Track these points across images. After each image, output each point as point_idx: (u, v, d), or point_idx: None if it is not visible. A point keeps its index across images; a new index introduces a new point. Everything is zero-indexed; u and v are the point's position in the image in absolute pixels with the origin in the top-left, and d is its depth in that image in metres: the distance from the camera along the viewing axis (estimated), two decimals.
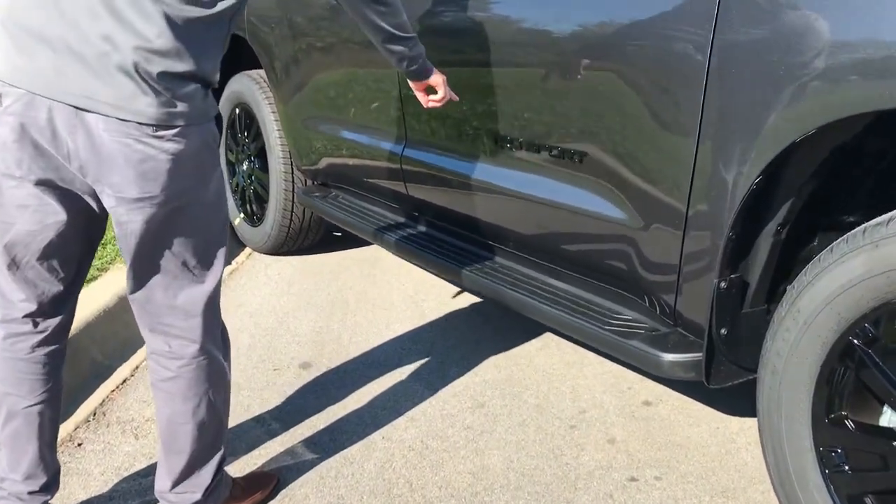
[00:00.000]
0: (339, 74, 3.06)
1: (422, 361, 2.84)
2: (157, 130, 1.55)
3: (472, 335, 3.04)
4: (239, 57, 3.76)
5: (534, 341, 2.97)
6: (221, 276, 1.79)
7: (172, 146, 1.57)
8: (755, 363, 1.79)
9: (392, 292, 3.46)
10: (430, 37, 2.39)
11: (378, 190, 3.12)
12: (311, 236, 3.88)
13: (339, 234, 3.93)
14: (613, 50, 1.95)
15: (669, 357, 1.97)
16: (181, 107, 1.57)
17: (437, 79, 2.23)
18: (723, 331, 1.86)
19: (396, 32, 2.03)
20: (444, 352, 2.91)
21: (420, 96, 2.27)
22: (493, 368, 2.79)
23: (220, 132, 1.79)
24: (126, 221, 1.63)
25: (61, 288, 1.76)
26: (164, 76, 1.54)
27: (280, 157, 3.64)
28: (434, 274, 2.66)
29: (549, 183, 2.23)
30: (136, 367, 2.78)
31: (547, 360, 2.84)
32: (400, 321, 3.17)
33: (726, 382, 1.90)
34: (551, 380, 2.70)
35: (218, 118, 1.74)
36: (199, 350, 1.77)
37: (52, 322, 1.78)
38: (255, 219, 3.93)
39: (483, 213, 2.54)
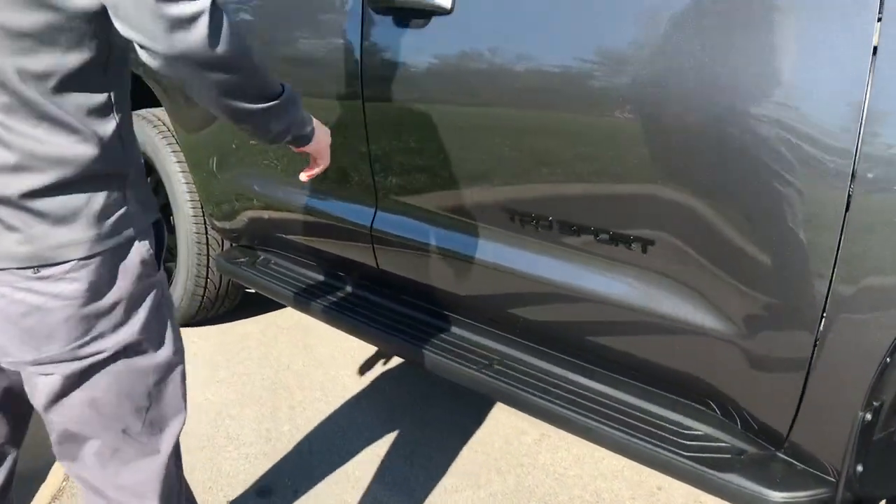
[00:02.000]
0: None
1: (405, 472, 2.35)
2: (38, 271, 1.14)
3: (455, 427, 2.58)
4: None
5: (528, 429, 2.54)
6: (178, 439, 1.40)
7: (67, 287, 1.16)
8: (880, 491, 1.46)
9: (340, 372, 2.94)
10: (432, 77, 1.93)
11: (332, 262, 2.59)
12: (227, 303, 3.29)
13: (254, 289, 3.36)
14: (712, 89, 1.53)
15: (780, 496, 1.59)
16: (69, 232, 1.14)
17: (315, 147, 1.47)
18: (859, 467, 1.49)
19: (257, 107, 1.24)
20: (430, 456, 2.43)
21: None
22: (496, 474, 2.34)
23: (162, 242, 1.33)
24: (31, 391, 1.25)
25: None
26: (28, 197, 1.11)
27: (190, 217, 3.03)
28: (419, 367, 2.20)
29: (596, 274, 1.80)
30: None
31: (552, 455, 2.42)
32: (362, 413, 2.66)
33: None
34: (567, 485, 2.28)
35: (158, 224, 1.30)
36: None
37: None
38: None
39: (493, 299, 2.08)
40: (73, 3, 1.07)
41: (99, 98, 1.15)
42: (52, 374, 1.21)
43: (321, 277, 2.65)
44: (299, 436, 2.53)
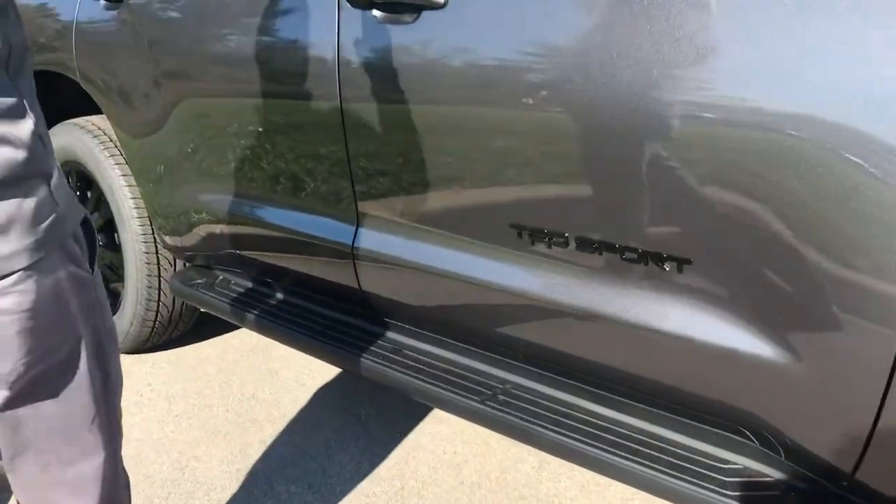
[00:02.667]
0: (238, 121, 2.23)
1: None
2: None
3: (446, 458, 2.37)
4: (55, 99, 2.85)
5: (525, 457, 2.36)
6: (120, 437, 1.33)
7: (15, 301, 1.09)
8: None
9: (312, 401, 2.71)
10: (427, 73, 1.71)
11: (305, 284, 2.36)
12: (181, 327, 3.02)
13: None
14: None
15: None
16: (7, 242, 1.06)
17: None
18: None
19: None
20: (421, 494, 2.22)
21: None
22: None
23: (94, 241, 1.24)
24: None
25: None
26: None
27: (139, 234, 2.75)
28: (411, 397, 1.99)
29: (622, 297, 1.61)
30: None
31: (555, 485, 2.24)
32: (342, 447, 2.43)
33: None
34: None
35: (87, 223, 1.23)
36: None
37: None
38: None
39: (496, 322, 1.88)
40: None
41: (9, 100, 1.06)
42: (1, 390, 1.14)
43: (293, 300, 2.42)
44: (276, 477, 2.30)
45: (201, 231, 2.51)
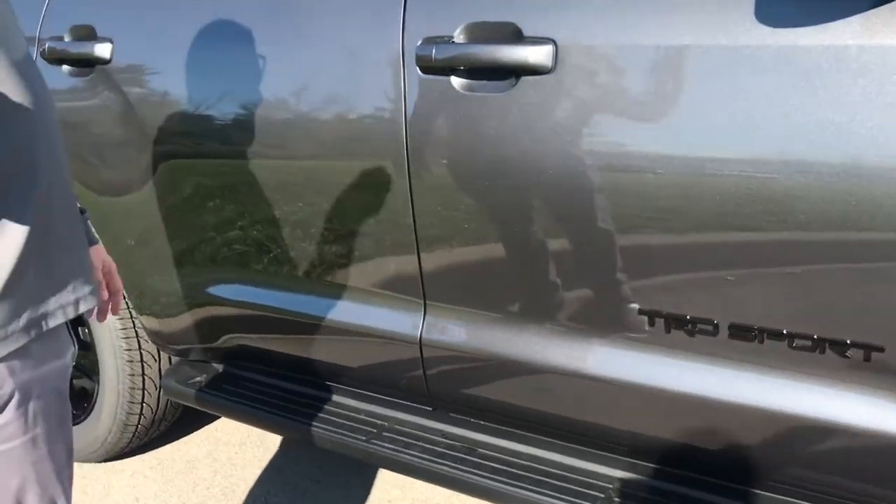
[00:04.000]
0: (259, 194, 1.92)
1: None
2: None
3: None
4: None
5: None
6: None
7: None
8: None
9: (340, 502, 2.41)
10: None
11: (350, 379, 2.08)
12: (162, 426, 2.66)
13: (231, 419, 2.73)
14: None
15: None
16: None
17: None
18: None
19: None
20: None
21: None
22: None
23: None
24: None
25: None
26: None
27: (118, 330, 2.39)
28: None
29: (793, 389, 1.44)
30: None
31: None
32: None
33: None
34: None
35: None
36: None
37: None
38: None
39: (622, 422, 1.67)
40: None
41: None
42: None
43: (334, 399, 2.12)
44: None
45: (207, 320, 2.19)
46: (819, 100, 1.26)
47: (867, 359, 1.35)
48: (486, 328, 1.73)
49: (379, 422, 2.01)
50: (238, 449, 2.69)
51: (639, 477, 1.71)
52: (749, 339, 1.44)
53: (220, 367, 2.36)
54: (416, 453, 1.89)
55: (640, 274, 1.51)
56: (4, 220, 1.02)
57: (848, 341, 1.35)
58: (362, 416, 2.05)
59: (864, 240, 1.28)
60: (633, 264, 1.51)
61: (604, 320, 1.58)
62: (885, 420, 1.36)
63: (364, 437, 1.96)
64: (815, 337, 1.38)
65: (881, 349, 1.33)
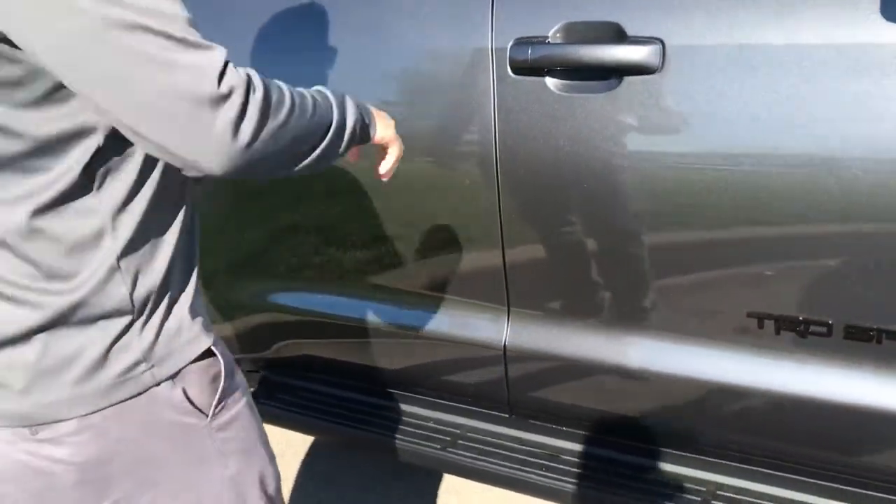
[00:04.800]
0: (334, 198, 1.88)
1: None
2: (35, 432, 0.98)
3: None
4: None
5: None
6: None
7: (67, 452, 0.99)
8: None
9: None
10: None
11: (427, 388, 2.03)
12: None
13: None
14: None
15: None
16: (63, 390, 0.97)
17: (384, 134, 1.18)
18: None
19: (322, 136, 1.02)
20: None
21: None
22: None
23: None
24: None
25: None
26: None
27: None
28: None
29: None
30: None
31: None
32: None
33: None
34: None
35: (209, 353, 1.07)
36: None
37: None
38: None
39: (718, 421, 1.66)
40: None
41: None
42: None
43: (395, 406, 2.08)
44: None
45: (270, 328, 2.13)
46: None
47: None
48: (572, 334, 1.70)
49: (453, 430, 1.97)
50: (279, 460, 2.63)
51: (733, 480, 1.70)
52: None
53: (269, 376, 2.30)
54: (497, 461, 1.86)
55: (750, 278, 1.49)
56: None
57: None
58: (432, 425, 2.01)
59: None
60: (740, 267, 1.49)
61: (708, 324, 1.56)
62: None
63: (439, 446, 1.93)
64: None
65: None
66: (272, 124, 0.89)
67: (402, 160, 1.25)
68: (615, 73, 1.49)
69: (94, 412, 0.98)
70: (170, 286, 1.04)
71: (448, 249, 1.78)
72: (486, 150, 1.62)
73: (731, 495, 1.67)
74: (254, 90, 0.87)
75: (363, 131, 1.11)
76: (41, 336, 0.95)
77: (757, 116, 1.40)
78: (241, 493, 1.12)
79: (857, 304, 1.42)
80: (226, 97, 0.84)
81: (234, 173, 0.88)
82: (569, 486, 1.78)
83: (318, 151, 1.00)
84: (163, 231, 1.02)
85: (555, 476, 1.80)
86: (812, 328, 1.46)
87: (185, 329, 1.05)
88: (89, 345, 0.97)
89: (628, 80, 1.48)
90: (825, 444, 1.54)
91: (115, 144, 0.93)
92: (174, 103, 0.82)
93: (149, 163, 0.97)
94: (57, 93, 0.88)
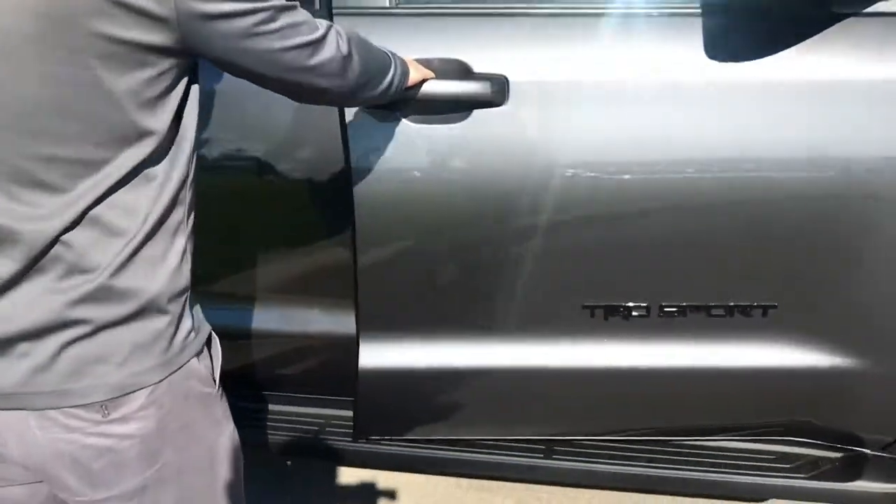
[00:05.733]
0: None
1: None
2: (107, 414, 1.12)
3: None
4: None
5: None
6: None
7: (135, 427, 1.14)
8: None
9: None
10: None
11: None
12: None
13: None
14: None
15: None
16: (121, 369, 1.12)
17: (417, 74, 1.58)
18: None
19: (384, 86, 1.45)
20: None
21: None
22: None
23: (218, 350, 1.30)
24: None
25: None
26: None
27: None
28: None
29: None
30: None
31: None
32: None
33: None
34: None
35: (210, 341, 1.28)
36: None
37: None
38: None
39: None
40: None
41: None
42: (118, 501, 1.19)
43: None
44: None
45: None
46: None
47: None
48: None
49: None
50: None
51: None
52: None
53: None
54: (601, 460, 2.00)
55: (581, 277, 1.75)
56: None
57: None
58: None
59: None
60: (573, 268, 1.75)
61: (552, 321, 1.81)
62: None
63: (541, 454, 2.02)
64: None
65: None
66: (353, 62, 1.26)
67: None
68: (458, 106, 1.65)
69: (163, 379, 1.14)
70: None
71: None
72: (342, 178, 1.73)
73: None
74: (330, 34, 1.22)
75: (405, 77, 1.50)
76: (138, 316, 1.10)
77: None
78: (236, 447, 1.31)
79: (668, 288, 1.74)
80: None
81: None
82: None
83: (382, 85, 1.40)
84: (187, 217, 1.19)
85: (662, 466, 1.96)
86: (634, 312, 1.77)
87: (199, 311, 1.26)
88: (168, 318, 1.14)
89: (476, 114, 1.65)
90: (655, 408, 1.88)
91: (165, 145, 1.09)
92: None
93: (181, 167, 1.13)
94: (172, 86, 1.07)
